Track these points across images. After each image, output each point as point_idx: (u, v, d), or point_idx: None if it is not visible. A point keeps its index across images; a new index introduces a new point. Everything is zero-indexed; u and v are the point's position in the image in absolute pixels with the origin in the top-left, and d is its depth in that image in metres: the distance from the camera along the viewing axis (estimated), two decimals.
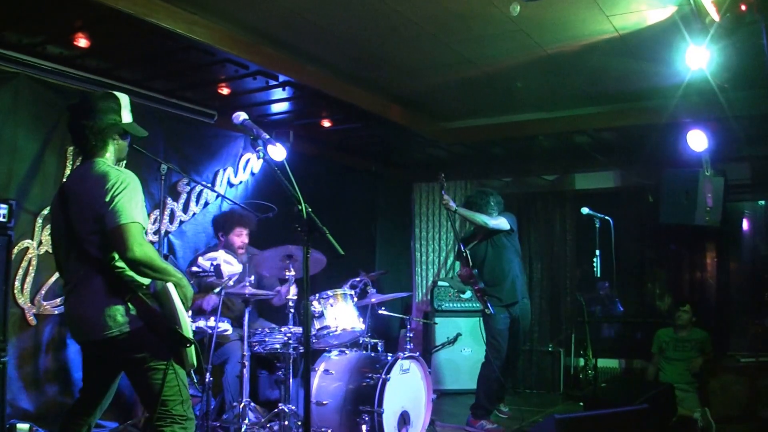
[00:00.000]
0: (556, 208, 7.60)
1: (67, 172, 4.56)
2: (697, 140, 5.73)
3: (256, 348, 4.43)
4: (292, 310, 4.37)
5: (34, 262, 4.42)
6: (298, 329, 4.31)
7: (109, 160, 2.82)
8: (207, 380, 4.10)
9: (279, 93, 5.34)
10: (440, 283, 7.30)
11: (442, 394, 6.17)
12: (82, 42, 4.24)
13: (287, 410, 4.19)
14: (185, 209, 5.49)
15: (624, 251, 6.08)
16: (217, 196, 5.66)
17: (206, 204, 5.65)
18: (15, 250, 4.17)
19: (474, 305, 6.74)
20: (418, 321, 7.03)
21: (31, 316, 4.41)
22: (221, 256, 3.97)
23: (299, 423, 4.21)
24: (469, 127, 6.87)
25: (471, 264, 5.23)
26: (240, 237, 4.97)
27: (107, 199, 2.61)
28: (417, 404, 4.60)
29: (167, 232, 5.33)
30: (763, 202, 6.97)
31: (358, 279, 5.01)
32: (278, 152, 4.72)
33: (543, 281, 7.56)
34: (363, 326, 4.66)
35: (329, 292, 4.52)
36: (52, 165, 4.55)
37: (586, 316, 5.74)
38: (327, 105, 5.78)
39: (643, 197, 6.98)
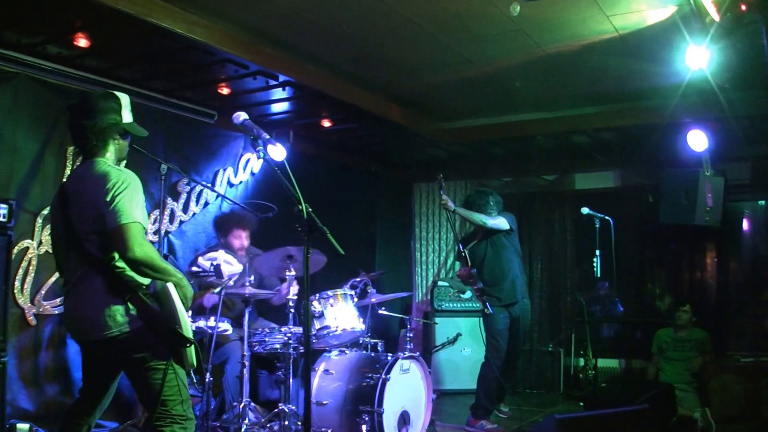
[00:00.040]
0: (556, 208, 7.60)
1: (67, 172, 4.56)
2: (697, 140, 5.73)
3: (256, 348, 4.42)
4: (292, 310, 4.37)
5: (34, 262, 4.42)
6: (298, 329, 4.31)
7: (109, 159, 2.82)
8: (207, 380, 4.09)
9: (279, 93, 5.33)
10: (440, 283, 7.30)
11: (442, 394, 6.17)
12: (82, 42, 4.24)
13: (287, 410, 4.19)
14: (185, 209, 5.49)
15: (624, 251, 6.08)
16: (217, 196, 5.66)
17: (206, 204, 5.65)
18: (15, 250, 4.17)
19: (474, 305, 6.75)
20: (418, 321, 7.03)
21: (31, 316, 4.41)
22: (221, 256, 3.97)
23: (299, 423, 4.21)
24: (468, 126, 6.87)
25: (470, 264, 5.23)
26: (239, 239, 4.95)
27: (108, 198, 2.60)
28: (417, 404, 4.60)
29: (167, 232, 5.33)
30: (763, 202, 6.97)
31: (358, 279, 5.01)
32: (278, 152, 4.73)
33: (543, 281, 7.56)
34: (363, 326, 4.66)
35: (329, 292, 4.52)
36: (52, 165, 4.55)
37: (586, 316, 5.74)
38: (327, 105, 5.78)
39: (643, 197, 6.98)
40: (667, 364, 6.12)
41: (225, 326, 4.23)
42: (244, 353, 4.23)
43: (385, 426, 4.20)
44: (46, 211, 4.41)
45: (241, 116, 2.82)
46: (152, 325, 2.66)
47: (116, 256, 2.67)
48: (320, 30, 4.58)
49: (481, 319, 5.34)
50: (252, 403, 4.32)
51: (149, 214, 5.00)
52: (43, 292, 4.47)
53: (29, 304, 4.40)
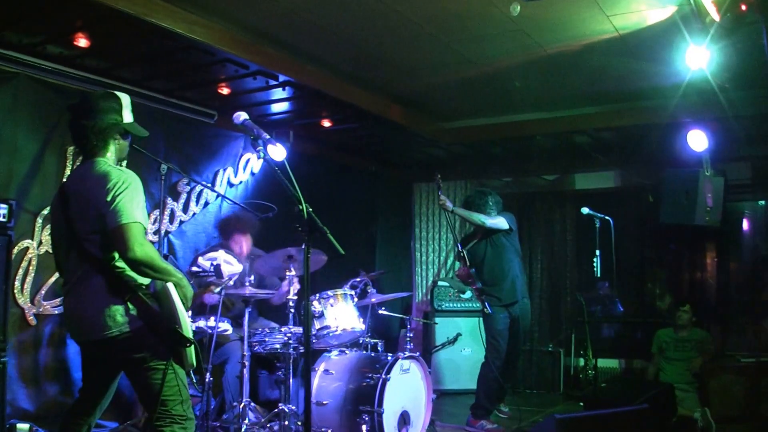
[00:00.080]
0: (556, 208, 7.60)
1: (67, 172, 4.56)
2: (697, 140, 5.73)
3: (256, 348, 4.42)
4: (292, 310, 4.37)
5: (34, 262, 4.42)
6: (298, 329, 4.31)
7: (110, 159, 2.81)
8: (207, 380, 4.09)
9: (279, 93, 5.33)
10: (440, 283, 7.30)
11: (442, 394, 6.17)
12: (82, 42, 4.24)
13: (287, 410, 4.19)
14: (185, 209, 5.49)
15: (624, 251, 6.08)
16: (217, 196, 5.66)
17: (206, 204, 5.65)
18: (15, 250, 4.17)
19: (474, 305, 6.75)
20: (418, 321, 7.02)
21: (31, 316, 4.41)
22: (221, 256, 3.97)
23: (299, 423, 4.21)
24: (469, 126, 6.87)
25: (468, 263, 5.23)
26: (238, 244, 4.93)
27: (108, 198, 2.60)
28: (417, 404, 4.60)
29: (167, 232, 5.33)
30: (763, 202, 6.97)
31: (358, 279, 5.01)
32: (278, 152, 4.72)
33: (543, 281, 7.56)
34: (363, 326, 4.66)
35: (329, 292, 4.52)
36: (52, 165, 4.55)
37: (586, 316, 5.74)
38: (327, 105, 5.78)
39: (643, 197, 6.98)
40: (668, 364, 6.12)
41: (225, 326, 4.23)
42: (244, 353, 4.23)
43: (385, 426, 4.20)
44: (46, 211, 4.41)
45: (242, 116, 2.82)
46: (152, 325, 2.66)
47: (116, 255, 2.66)
48: (320, 30, 4.58)
49: (481, 319, 5.34)
50: (252, 403, 4.32)
51: (149, 214, 5.00)
52: (43, 292, 4.47)
53: (29, 304, 4.40)
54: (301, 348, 4.33)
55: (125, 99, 2.89)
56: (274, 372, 4.56)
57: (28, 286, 4.40)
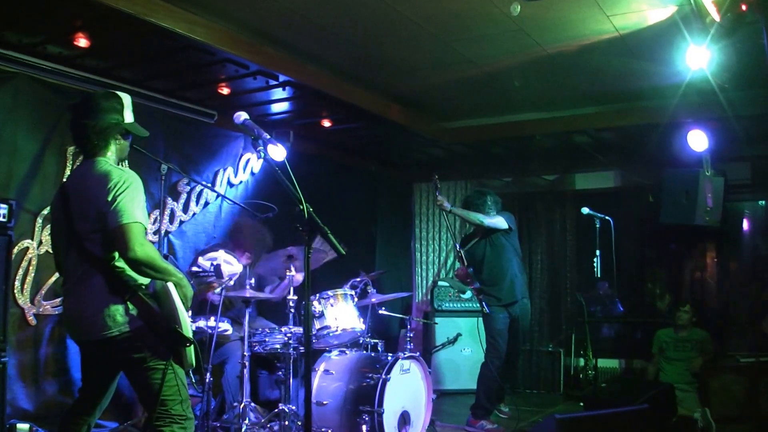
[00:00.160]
0: (556, 208, 7.59)
1: (67, 172, 4.56)
2: (697, 140, 5.73)
3: (257, 348, 4.43)
4: (292, 310, 4.37)
5: (34, 262, 4.42)
6: (299, 329, 4.31)
7: (110, 159, 2.82)
8: (207, 380, 4.09)
9: (279, 93, 5.33)
10: (440, 283, 7.30)
11: (442, 394, 6.17)
12: (82, 42, 4.24)
13: (287, 410, 4.19)
14: (185, 209, 5.49)
15: (624, 251, 6.08)
16: (217, 196, 5.66)
17: (206, 204, 5.65)
18: (15, 250, 4.17)
19: (474, 305, 6.75)
20: (418, 321, 7.02)
21: (31, 316, 4.41)
22: (221, 256, 3.98)
23: (299, 423, 4.21)
24: (469, 126, 6.87)
25: (467, 263, 5.23)
26: (242, 257, 4.86)
27: (109, 198, 2.60)
28: (417, 404, 4.60)
29: (167, 232, 5.32)
30: (763, 202, 6.97)
31: (358, 279, 5.01)
32: (278, 152, 4.72)
33: (543, 281, 7.56)
34: (363, 326, 4.66)
35: (329, 292, 4.52)
36: (52, 165, 4.55)
37: (586, 316, 5.75)
38: (327, 105, 5.77)
39: (643, 197, 6.98)
40: (668, 364, 6.12)
41: (225, 326, 4.22)
42: (245, 353, 4.23)
43: (386, 426, 4.20)
44: (46, 211, 4.41)
45: (242, 116, 2.82)
46: (152, 325, 2.66)
47: (116, 255, 2.66)
48: (320, 30, 4.58)
49: (481, 319, 5.34)
50: (252, 403, 4.32)
51: (149, 214, 4.99)
52: (43, 292, 4.47)
53: (29, 304, 4.40)
54: (301, 348, 4.33)
55: (126, 99, 2.89)
56: (274, 372, 4.56)
57: (28, 286, 4.39)
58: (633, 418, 3.74)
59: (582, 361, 6.87)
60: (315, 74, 5.24)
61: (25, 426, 3.92)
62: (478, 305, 5.27)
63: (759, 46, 4.07)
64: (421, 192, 8.23)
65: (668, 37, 4.43)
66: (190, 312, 3.08)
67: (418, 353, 4.81)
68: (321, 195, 6.45)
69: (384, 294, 5.17)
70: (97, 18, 3.89)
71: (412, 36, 4.65)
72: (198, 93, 5.41)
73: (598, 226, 5.31)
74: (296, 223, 2.59)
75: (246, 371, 4.23)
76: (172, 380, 2.69)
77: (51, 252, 3.72)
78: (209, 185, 5.65)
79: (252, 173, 6.11)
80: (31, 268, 4.41)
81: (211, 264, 3.93)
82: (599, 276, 5.37)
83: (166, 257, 4.76)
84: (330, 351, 4.69)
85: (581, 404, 5.19)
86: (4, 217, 3.73)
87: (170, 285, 2.68)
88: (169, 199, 5.36)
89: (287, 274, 4.42)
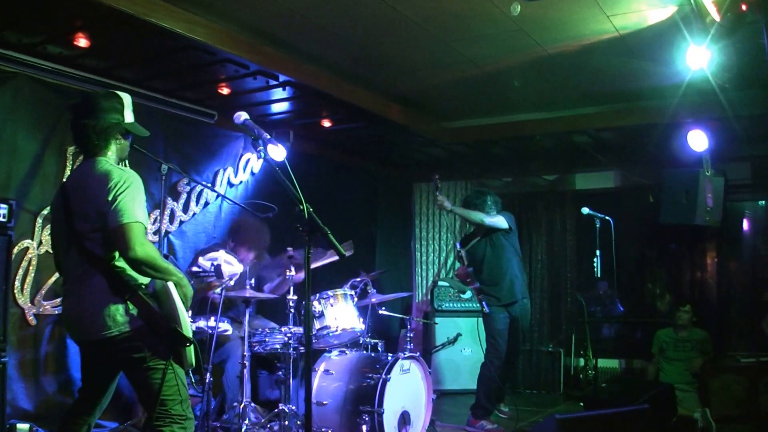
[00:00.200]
0: (556, 208, 7.59)
1: (67, 172, 4.56)
2: (697, 140, 5.73)
3: (257, 348, 4.42)
4: (292, 310, 4.37)
5: (34, 262, 4.42)
6: (299, 329, 4.31)
7: (111, 159, 2.82)
8: (207, 380, 4.09)
9: (279, 93, 5.33)
10: (440, 283, 7.30)
11: (442, 394, 6.17)
12: (82, 42, 4.24)
13: (287, 410, 4.19)
14: (185, 209, 5.49)
15: (624, 251, 6.08)
16: (217, 196, 5.66)
17: (206, 204, 5.65)
18: (15, 250, 4.17)
19: (474, 305, 6.75)
20: (418, 321, 7.03)
21: (31, 316, 4.41)
22: (221, 256, 3.98)
23: (299, 423, 4.21)
24: (469, 126, 6.87)
25: (466, 263, 5.23)
26: (242, 256, 4.88)
27: (110, 198, 2.60)
28: (417, 404, 4.60)
29: (167, 232, 5.33)
30: (763, 202, 6.97)
31: (358, 279, 5.01)
32: (278, 152, 4.72)
33: (543, 281, 7.56)
34: (363, 326, 4.66)
35: (329, 292, 4.52)
36: (52, 165, 4.55)
37: (586, 316, 5.75)
38: (327, 105, 5.77)
39: (643, 197, 6.98)
40: (668, 364, 6.12)
41: (225, 326, 4.22)
42: (245, 353, 4.23)
43: (386, 426, 4.20)
44: (46, 211, 4.41)
45: (242, 116, 2.82)
46: (152, 325, 2.66)
47: (116, 255, 2.66)
48: (320, 30, 4.58)
49: (481, 319, 5.34)
50: (252, 403, 4.32)
51: (149, 214, 4.99)
52: (43, 292, 4.47)
53: (29, 304, 4.40)
54: (302, 348, 4.33)
55: (127, 99, 2.89)
56: (274, 372, 4.56)
57: (28, 286, 4.39)
58: (633, 418, 3.74)
59: (582, 361, 6.87)
60: (315, 74, 5.24)
61: (25, 426, 3.92)
62: (478, 305, 5.28)
63: (759, 46, 4.07)
64: (421, 192, 8.23)
65: (668, 37, 4.43)
66: (190, 312, 3.08)
67: (418, 353, 4.81)
68: (321, 195, 6.45)
69: (384, 294, 5.17)
70: (97, 18, 3.89)
71: (412, 36, 4.65)
72: (198, 93, 5.41)
73: (598, 226, 5.30)
74: (296, 223, 2.59)
75: (246, 371, 4.23)
76: (172, 380, 2.69)
77: (51, 252, 3.71)
78: (209, 185, 5.65)
79: (252, 173, 6.11)
80: (31, 268, 4.41)
81: (212, 264, 3.93)
82: (599, 276, 5.36)
83: (166, 257, 4.75)
84: (330, 351, 4.69)
85: (581, 404, 5.19)
86: (4, 217, 3.73)
87: (170, 285, 2.68)
88: (169, 199, 5.36)
89: (287, 274, 4.42)
